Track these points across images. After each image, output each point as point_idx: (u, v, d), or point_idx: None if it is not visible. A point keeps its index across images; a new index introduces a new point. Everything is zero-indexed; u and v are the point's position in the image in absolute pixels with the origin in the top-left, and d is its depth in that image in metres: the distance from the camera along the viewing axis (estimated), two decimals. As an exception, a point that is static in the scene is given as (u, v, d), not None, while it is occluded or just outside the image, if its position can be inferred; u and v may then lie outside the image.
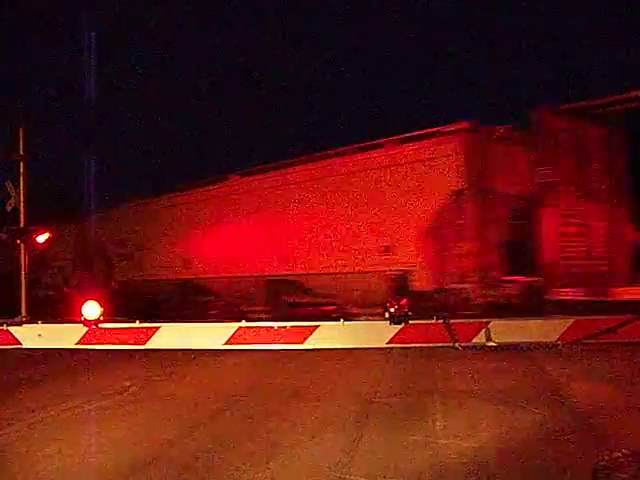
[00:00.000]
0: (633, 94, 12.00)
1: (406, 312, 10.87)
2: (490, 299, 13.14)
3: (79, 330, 12.71)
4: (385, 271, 14.45)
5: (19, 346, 12.93)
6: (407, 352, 10.25)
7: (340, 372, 9.59)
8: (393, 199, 14.40)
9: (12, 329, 13.22)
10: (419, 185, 13.86)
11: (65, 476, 5.06)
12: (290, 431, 6.13)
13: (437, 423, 6.25)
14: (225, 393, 8.24)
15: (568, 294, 12.27)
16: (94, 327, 12.53)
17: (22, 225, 18.03)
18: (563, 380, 8.26)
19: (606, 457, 4.97)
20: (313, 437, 5.89)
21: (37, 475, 5.10)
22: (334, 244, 15.25)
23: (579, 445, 5.38)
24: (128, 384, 8.91)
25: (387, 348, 10.64)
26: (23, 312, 17.73)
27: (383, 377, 8.83)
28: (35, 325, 13.43)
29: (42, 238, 18.34)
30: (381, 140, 15.05)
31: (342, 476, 4.78)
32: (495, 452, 5.23)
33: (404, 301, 11.06)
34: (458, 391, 7.75)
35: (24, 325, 13.93)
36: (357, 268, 14.88)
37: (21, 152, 18.13)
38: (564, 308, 11.64)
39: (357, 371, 9.57)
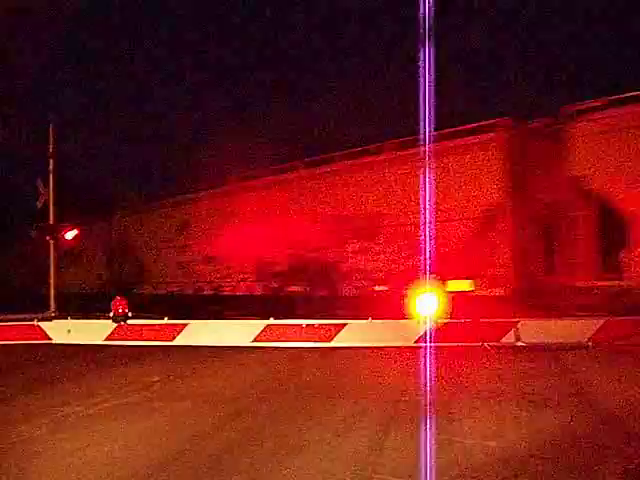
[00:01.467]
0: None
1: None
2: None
3: (108, 326, 12.88)
4: None
5: (49, 341, 13.14)
6: (435, 351, 10.15)
7: (366, 370, 9.55)
8: None
9: (43, 325, 13.43)
10: None
11: (92, 470, 5.10)
12: (316, 429, 6.11)
13: (464, 423, 6.18)
14: (251, 390, 8.25)
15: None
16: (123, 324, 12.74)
17: (52, 222, 18.31)
18: (592, 381, 8.11)
19: (635, 460, 4.87)
20: (339, 435, 5.86)
21: (66, 468, 5.15)
22: None
23: (608, 447, 5.26)
24: (154, 380, 8.98)
25: (415, 347, 10.58)
26: (52, 307, 18.04)
27: (409, 376, 8.76)
28: (65, 321, 13.63)
29: (70, 235, 18.53)
30: None
31: (368, 474, 4.74)
32: (521, 453, 5.15)
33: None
34: (485, 391, 7.64)
35: (54, 321, 14.15)
36: None
37: (51, 149, 18.42)
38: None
39: (383, 369, 9.50)
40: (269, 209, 18.16)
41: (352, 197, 16.13)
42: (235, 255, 19.16)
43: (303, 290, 16.83)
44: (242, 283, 18.90)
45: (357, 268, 15.61)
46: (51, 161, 18.34)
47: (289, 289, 17.18)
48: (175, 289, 22.63)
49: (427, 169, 13.29)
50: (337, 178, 16.60)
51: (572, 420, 6.15)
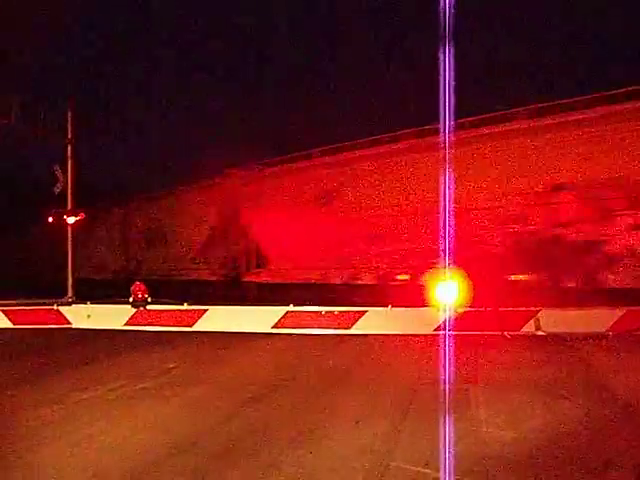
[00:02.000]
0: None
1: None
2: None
3: (127, 311, 12.96)
4: None
5: (69, 326, 13.24)
6: (455, 339, 10.11)
7: (385, 358, 9.54)
8: None
9: (62, 309, 13.53)
10: None
11: (108, 455, 5.14)
12: (334, 417, 6.11)
13: (480, 412, 6.16)
14: (269, 377, 8.26)
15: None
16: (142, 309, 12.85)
17: (70, 207, 18.42)
18: (611, 372, 8.04)
19: None
20: (357, 423, 5.86)
21: (82, 452, 5.18)
22: None
23: (623, 439, 5.23)
24: (172, 366, 9.02)
25: (434, 335, 10.54)
26: (69, 292, 18.17)
27: (427, 364, 8.74)
28: (84, 306, 13.72)
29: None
30: None
31: (385, 462, 4.75)
32: (536, 444, 5.12)
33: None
34: (503, 380, 7.61)
35: (74, 305, 14.26)
36: None
37: (69, 136, 18.46)
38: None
39: (401, 357, 9.49)
40: (469, 170, 13.50)
41: (626, 150, 11.41)
42: (414, 231, 14.56)
43: (537, 280, 12.56)
44: (428, 269, 13.28)
45: (632, 250, 11.51)
46: (69, 147, 18.39)
47: (513, 278, 12.80)
48: (314, 277, 17.82)
49: None
50: (598, 126, 11.88)
51: (588, 412, 6.10)
